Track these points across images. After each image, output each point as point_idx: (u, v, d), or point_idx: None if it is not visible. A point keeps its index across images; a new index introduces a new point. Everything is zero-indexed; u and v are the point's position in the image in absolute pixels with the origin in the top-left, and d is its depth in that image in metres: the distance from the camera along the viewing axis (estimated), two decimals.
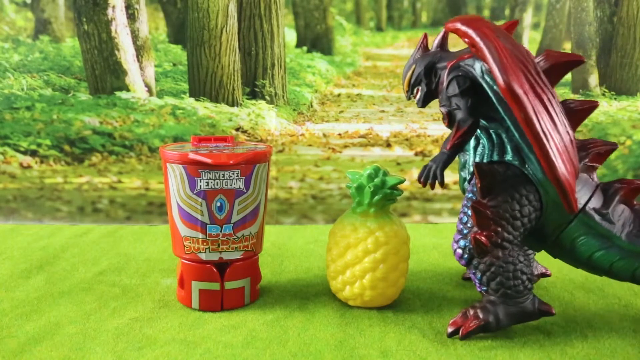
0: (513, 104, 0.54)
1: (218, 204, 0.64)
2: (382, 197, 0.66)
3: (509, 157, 0.59)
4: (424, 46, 0.66)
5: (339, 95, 1.29)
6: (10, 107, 1.19)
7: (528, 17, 1.28)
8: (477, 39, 0.56)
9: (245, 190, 0.65)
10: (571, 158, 0.56)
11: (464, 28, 0.57)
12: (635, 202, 0.60)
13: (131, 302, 0.69)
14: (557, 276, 0.78)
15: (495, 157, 0.60)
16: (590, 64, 1.24)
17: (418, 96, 0.66)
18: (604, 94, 1.23)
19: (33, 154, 1.20)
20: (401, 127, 1.26)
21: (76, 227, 1.04)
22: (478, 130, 0.62)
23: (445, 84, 0.61)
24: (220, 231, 0.65)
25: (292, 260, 0.86)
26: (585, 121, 1.14)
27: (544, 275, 0.75)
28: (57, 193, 1.19)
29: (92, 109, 1.20)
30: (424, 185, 0.60)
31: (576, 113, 0.59)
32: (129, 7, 1.20)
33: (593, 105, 0.60)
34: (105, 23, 1.19)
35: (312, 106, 1.27)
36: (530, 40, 1.27)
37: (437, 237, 0.99)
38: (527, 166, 0.59)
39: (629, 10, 1.21)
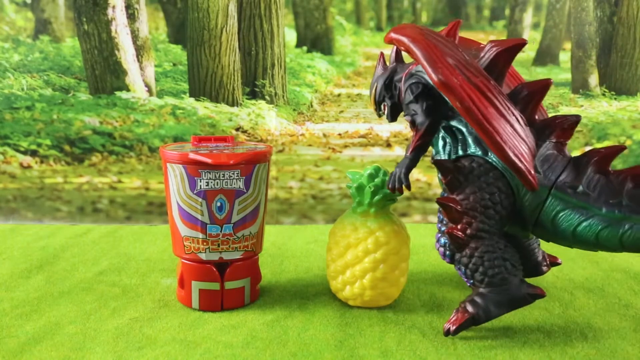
0: (449, 95, 0.56)
1: (218, 204, 0.64)
2: (383, 197, 0.66)
3: (471, 149, 0.60)
4: (383, 63, 0.68)
5: (339, 95, 1.29)
6: (10, 107, 1.19)
7: (528, 17, 1.28)
8: (408, 43, 0.58)
9: (245, 190, 0.65)
10: (523, 138, 0.57)
11: (396, 36, 0.60)
12: (610, 170, 0.59)
13: (131, 302, 0.69)
14: (557, 276, 0.78)
15: (460, 152, 0.61)
16: (590, 64, 1.24)
17: (385, 112, 0.68)
18: (604, 94, 1.23)
19: (33, 154, 1.20)
20: (401, 127, 1.26)
21: (76, 227, 1.04)
22: (443, 131, 0.63)
23: (403, 93, 0.63)
24: (221, 231, 0.65)
25: (292, 260, 0.86)
26: (586, 121, 1.14)
27: (555, 263, 0.75)
28: (57, 193, 1.19)
29: (92, 109, 1.20)
30: (393, 192, 0.63)
31: (531, 95, 0.59)
32: (129, 7, 1.20)
33: (546, 84, 0.60)
34: (105, 23, 1.19)
35: (312, 106, 1.27)
36: (530, 40, 1.28)
37: None
38: (489, 155, 0.60)
39: (629, 10, 1.21)
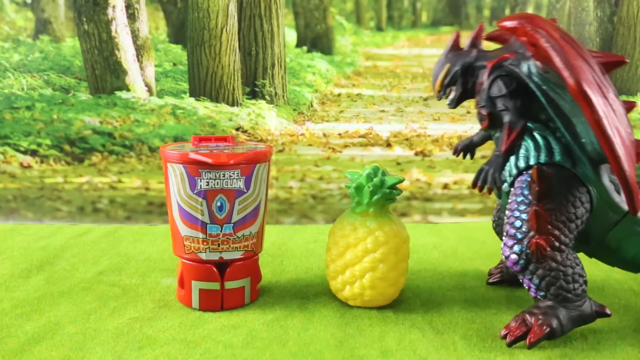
0: (585, 105, 0.53)
1: (218, 204, 0.64)
2: (381, 196, 0.66)
3: (557, 158, 0.58)
4: (456, 45, 0.65)
5: (339, 95, 1.29)
6: (10, 107, 1.19)
7: None
8: (542, 40, 0.54)
9: (245, 190, 0.65)
10: (632, 157, 0.55)
11: (526, 26, 0.56)
12: None
13: (131, 302, 0.69)
14: None
15: (543, 159, 0.58)
16: None
17: (452, 96, 0.65)
18: None
19: (33, 153, 1.20)
20: (401, 127, 1.26)
21: (76, 227, 1.04)
22: None
23: (486, 84, 0.60)
24: (221, 231, 0.65)
25: (292, 260, 0.86)
26: None
27: None
28: (57, 193, 1.19)
29: (92, 109, 1.20)
30: (481, 190, 0.60)
31: None
32: (129, 6, 1.20)
33: (631, 106, 0.58)
34: (105, 23, 1.19)
35: (312, 106, 1.27)
36: None
37: (437, 237, 0.99)
38: (577, 167, 0.58)
39: (629, 10, 1.21)
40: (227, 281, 0.67)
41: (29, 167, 1.20)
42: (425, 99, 1.29)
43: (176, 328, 0.62)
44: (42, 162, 1.20)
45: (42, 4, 1.22)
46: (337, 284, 0.68)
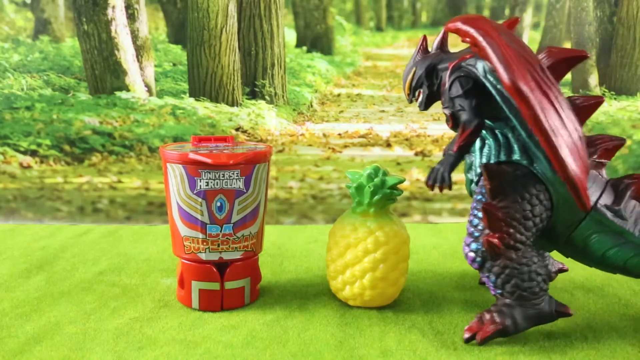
0: (520, 102, 0.53)
1: (218, 204, 0.64)
2: (382, 196, 0.66)
3: (516, 156, 0.59)
4: (424, 48, 0.66)
5: (339, 95, 1.29)
6: (10, 107, 1.19)
7: (528, 17, 1.28)
8: (480, 38, 0.55)
9: (245, 190, 0.65)
10: (581, 155, 0.55)
11: (465, 27, 0.56)
12: None
13: (131, 302, 0.69)
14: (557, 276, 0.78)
15: (503, 157, 0.59)
16: (590, 64, 1.24)
17: (420, 99, 0.66)
18: (603, 94, 1.23)
19: (33, 154, 1.20)
20: (401, 127, 1.26)
21: (76, 227, 1.04)
22: (483, 131, 0.61)
23: (447, 85, 0.61)
24: (220, 231, 0.65)
25: (292, 260, 0.86)
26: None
27: (562, 270, 0.74)
28: (57, 193, 1.19)
29: (92, 109, 1.20)
30: (432, 189, 0.60)
31: (582, 109, 0.58)
32: (128, 7, 1.20)
33: (599, 101, 0.59)
34: (105, 23, 1.19)
35: (312, 106, 1.27)
36: (530, 40, 1.27)
37: (437, 237, 0.99)
38: (535, 165, 0.58)
39: (629, 10, 1.21)
40: (227, 281, 0.67)
41: (28, 167, 1.20)
42: None
43: (176, 328, 0.62)
44: (42, 162, 1.20)
45: (42, 4, 1.22)
46: (337, 284, 0.68)
